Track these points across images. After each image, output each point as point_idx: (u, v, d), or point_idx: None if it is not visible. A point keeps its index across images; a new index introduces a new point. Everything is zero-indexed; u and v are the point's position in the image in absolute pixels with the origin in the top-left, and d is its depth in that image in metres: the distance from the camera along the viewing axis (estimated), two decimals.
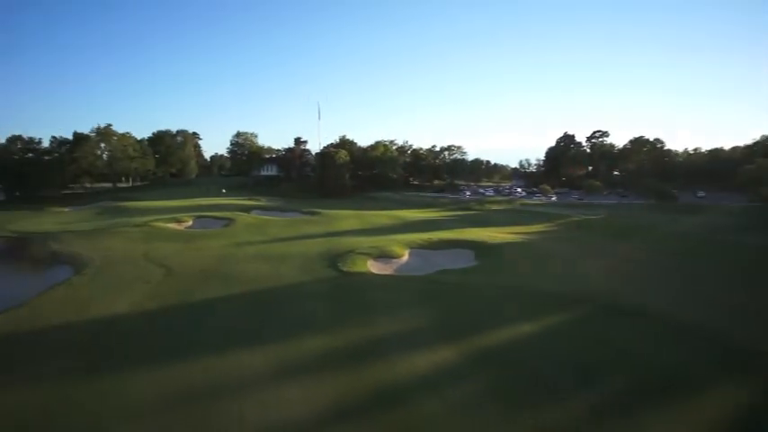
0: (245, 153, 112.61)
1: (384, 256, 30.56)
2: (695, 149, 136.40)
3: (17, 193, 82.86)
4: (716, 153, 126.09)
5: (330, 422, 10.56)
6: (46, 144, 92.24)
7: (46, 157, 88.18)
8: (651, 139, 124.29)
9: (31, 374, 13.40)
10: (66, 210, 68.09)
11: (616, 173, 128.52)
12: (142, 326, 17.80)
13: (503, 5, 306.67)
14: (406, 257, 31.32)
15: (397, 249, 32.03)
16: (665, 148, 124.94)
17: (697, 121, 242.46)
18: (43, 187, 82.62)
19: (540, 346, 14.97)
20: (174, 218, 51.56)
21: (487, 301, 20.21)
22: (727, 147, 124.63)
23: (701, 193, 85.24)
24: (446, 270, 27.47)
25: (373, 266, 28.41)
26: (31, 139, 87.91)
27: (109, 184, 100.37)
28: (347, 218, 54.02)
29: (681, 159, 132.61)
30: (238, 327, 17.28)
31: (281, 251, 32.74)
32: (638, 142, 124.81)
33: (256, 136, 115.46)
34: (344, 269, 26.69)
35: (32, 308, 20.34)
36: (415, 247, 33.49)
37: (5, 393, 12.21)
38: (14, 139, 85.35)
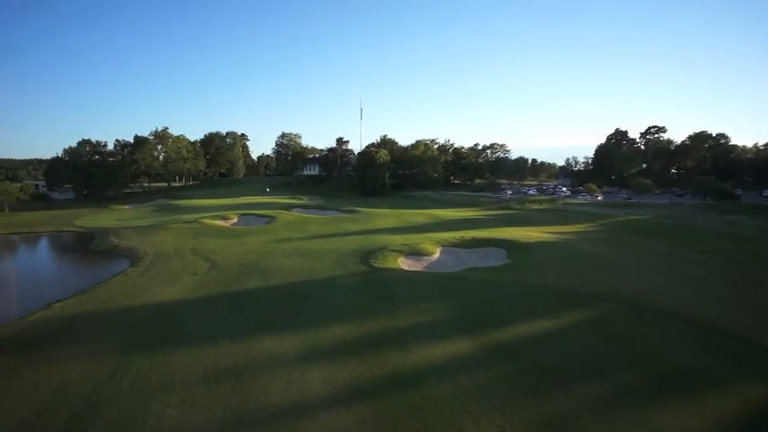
0: (289, 153, 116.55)
1: (415, 253, 31.14)
2: (766, 144, 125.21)
3: (85, 192, 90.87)
4: None
5: (343, 400, 11.44)
6: (110, 147, 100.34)
7: (110, 159, 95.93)
8: (714, 135, 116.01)
9: (92, 348, 15.36)
10: (126, 207, 73.95)
11: (673, 171, 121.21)
12: (187, 312, 19.56)
13: (550, 4, 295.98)
14: (437, 255, 31.73)
15: (428, 247, 32.51)
16: (730, 143, 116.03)
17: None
18: (107, 187, 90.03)
19: (556, 341, 15.11)
20: (220, 215, 54.83)
21: (511, 297, 20.35)
22: None
23: (766, 193, 78.68)
24: (475, 268, 27.68)
25: (404, 263, 29.08)
26: (98, 143, 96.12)
27: (164, 184, 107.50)
28: (384, 216, 54.98)
29: (750, 155, 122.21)
30: (271, 315, 18.60)
31: (317, 247, 34.17)
32: (699, 138, 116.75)
33: (300, 137, 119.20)
34: (375, 265, 27.58)
35: (95, 294, 22.90)
36: (447, 246, 33.79)
37: (70, 362, 14.15)
38: (84, 143, 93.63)
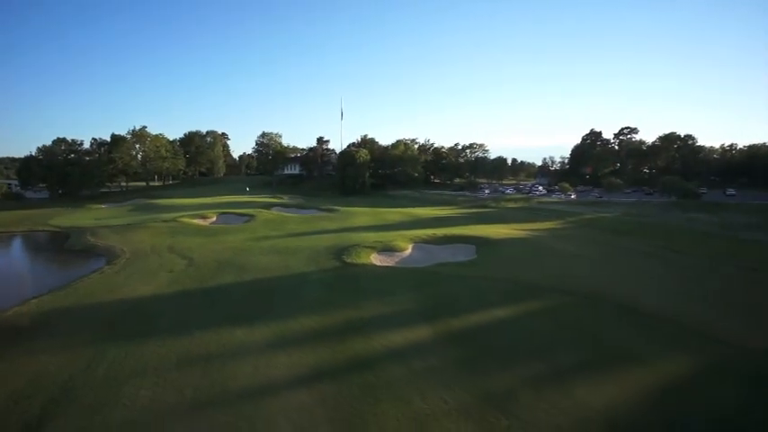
0: (269, 153, 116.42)
1: (388, 249, 32.25)
2: (730, 145, 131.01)
3: (60, 192, 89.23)
4: (753, 150, 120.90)
5: (305, 382, 12.48)
6: (87, 146, 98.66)
7: (87, 158, 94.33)
8: (682, 136, 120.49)
9: (67, 341, 16.00)
10: (102, 207, 73.03)
11: (645, 170, 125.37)
12: (161, 306, 20.23)
13: (531, 4, 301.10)
14: (409, 251, 32.90)
15: (401, 243, 33.66)
16: (698, 144, 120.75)
17: (737, 116, 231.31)
18: (83, 186, 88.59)
19: (508, 328, 16.43)
20: (199, 214, 54.93)
21: (474, 289, 21.63)
22: (765, 141, 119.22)
23: (730, 191, 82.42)
24: (445, 263, 28.95)
25: (376, 259, 30.15)
26: (73, 141, 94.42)
27: (142, 183, 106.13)
28: (362, 215, 55.96)
29: (716, 156, 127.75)
30: (244, 309, 19.43)
31: (293, 245, 34.96)
32: (669, 139, 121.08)
33: (281, 136, 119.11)
34: (348, 261, 28.57)
35: (71, 290, 23.31)
36: (420, 242, 34.99)
37: (46, 354, 14.78)
38: (59, 142, 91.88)
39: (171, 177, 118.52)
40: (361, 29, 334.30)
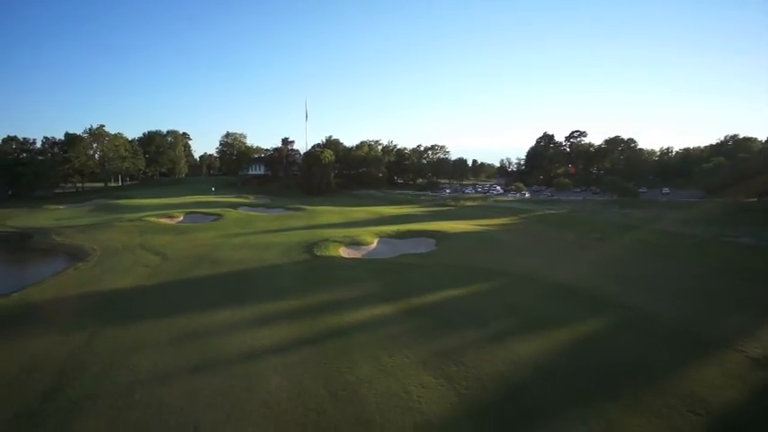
0: (233, 153, 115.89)
1: (355, 243, 34.74)
2: (667, 148, 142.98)
3: (10, 193, 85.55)
4: (687, 153, 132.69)
5: (288, 348, 14.74)
6: (39, 145, 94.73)
7: (39, 158, 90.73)
8: (625, 139, 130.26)
9: (60, 325, 17.32)
10: (61, 207, 71.18)
11: (593, 171, 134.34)
12: (144, 296, 21.72)
13: (486, 6, 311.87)
14: (374, 245, 35.52)
15: (367, 238, 36.23)
16: (638, 147, 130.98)
17: (673, 120, 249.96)
18: (36, 187, 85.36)
19: (458, 303, 19.34)
20: (165, 213, 55.27)
21: (431, 275, 24.48)
22: (698, 145, 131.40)
23: (665, 190, 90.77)
24: (407, 254, 31.75)
25: (344, 252, 32.56)
26: (25, 140, 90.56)
27: (100, 184, 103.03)
28: (329, 213, 58.16)
29: (654, 159, 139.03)
30: (224, 296, 21.25)
31: (265, 240, 36.74)
32: (614, 142, 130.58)
33: (245, 136, 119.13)
34: (318, 254, 30.78)
35: (47, 286, 24.10)
36: (384, 237, 37.72)
37: (42, 338, 16.07)
38: (9, 140, 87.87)
39: (129, 178, 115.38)
40: (321, 30, 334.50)
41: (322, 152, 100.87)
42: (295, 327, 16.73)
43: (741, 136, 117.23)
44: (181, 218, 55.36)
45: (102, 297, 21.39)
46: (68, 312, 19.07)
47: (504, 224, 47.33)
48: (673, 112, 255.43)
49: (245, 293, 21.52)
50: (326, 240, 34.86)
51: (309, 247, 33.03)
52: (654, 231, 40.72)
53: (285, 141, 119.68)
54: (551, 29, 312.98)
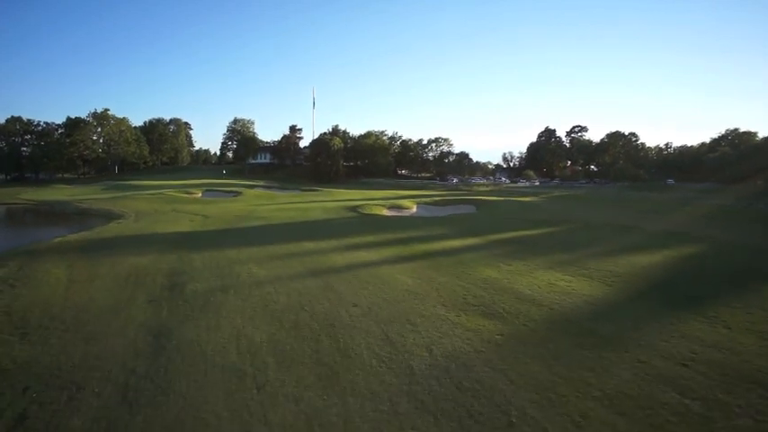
0: (241, 140, 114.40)
1: (395, 207, 34.56)
2: (666, 144, 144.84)
3: (9, 177, 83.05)
4: (685, 150, 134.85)
5: (389, 262, 14.54)
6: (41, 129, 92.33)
7: (43, 141, 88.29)
8: (626, 134, 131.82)
9: (146, 249, 16.82)
10: (69, 186, 69.52)
11: (593, 167, 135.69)
12: (205, 236, 21.01)
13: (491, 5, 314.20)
14: (414, 209, 35.37)
15: (407, 203, 36.11)
16: (639, 142, 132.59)
17: (672, 115, 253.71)
18: (41, 170, 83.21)
19: (542, 238, 19.82)
20: (183, 190, 54.20)
21: (496, 222, 24.78)
22: (695, 142, 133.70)
23: (670, 181, 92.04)
24: (454, 214, 31.62)
25: (388, 213, 32.30)
26: (30, 121, 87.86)
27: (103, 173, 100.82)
28: (347, 193, 57.78)
29: (653, 154, 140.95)
30: (293, 234, 20.80)
31: (301, 206, 36.22)
32: (614, 136, 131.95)
33: (253, 122, 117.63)
34: (364, 212, 30.48)
35: (105, 230, 23.32)
36: (422, 204, 37.55)
37: (136, 256, 15.57)
38: (14, 121, 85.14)
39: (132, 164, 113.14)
40: (329, 22, 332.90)
41: (331, 139, 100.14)
42: (390, 250, 16.47)
43: (741, 130, 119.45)
44: (200, 194, 54.35)
45: (166, 236, 20.73)
46: (149, 243, 18.50)
47: (531, 200, 47.50)
48: (671, 110, 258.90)
49: (318, 233, 21.05)
50: (366, 204, 34.61)
51: (351, 209, 32.68)
52: (706, 205, 39.95)
53: (293, 129, 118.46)
54: (552, 29, 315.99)
